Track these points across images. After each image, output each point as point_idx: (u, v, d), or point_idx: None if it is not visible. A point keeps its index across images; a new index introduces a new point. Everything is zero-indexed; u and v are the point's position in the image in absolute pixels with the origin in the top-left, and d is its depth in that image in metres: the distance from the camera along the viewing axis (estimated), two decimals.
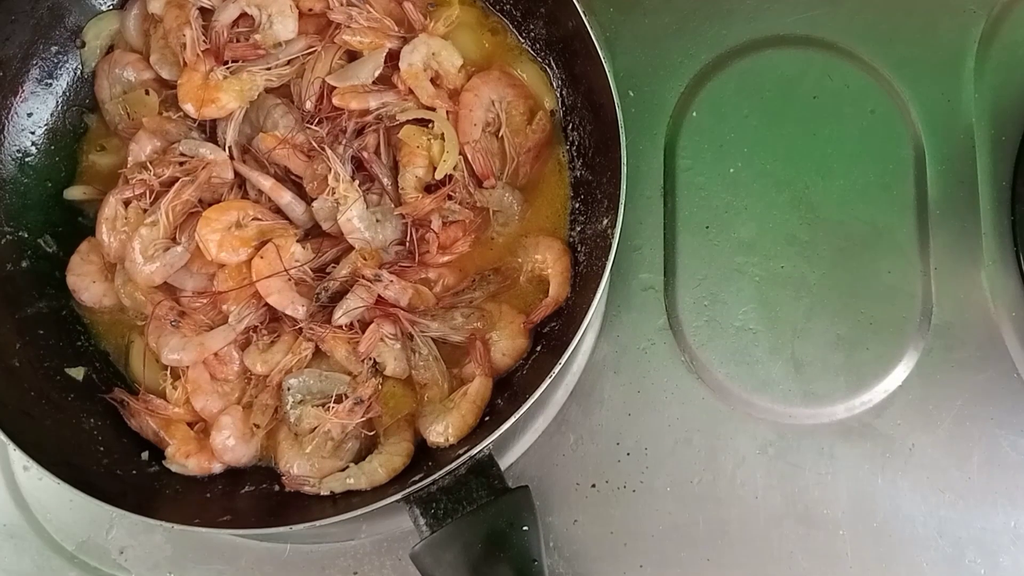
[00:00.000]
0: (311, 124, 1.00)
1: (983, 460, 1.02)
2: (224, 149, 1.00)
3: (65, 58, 1.07)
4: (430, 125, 1.01)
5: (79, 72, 1.08)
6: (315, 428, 0.97)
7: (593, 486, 1.03)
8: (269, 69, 1.01)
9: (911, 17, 1.12)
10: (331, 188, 0.98)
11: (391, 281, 0.97)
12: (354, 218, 0.98)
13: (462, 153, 1.01)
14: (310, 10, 1.03)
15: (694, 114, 1.11)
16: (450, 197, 1.01)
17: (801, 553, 1.01)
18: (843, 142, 1.10)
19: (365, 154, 1.00)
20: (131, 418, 1.00)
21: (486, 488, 0.91)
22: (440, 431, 0.95)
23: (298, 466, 0.96)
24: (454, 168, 1.00)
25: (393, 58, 1.02)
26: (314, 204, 0.99)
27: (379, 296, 0.98)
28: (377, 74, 1.02)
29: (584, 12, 0.96)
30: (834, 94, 1.11)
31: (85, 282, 1.03)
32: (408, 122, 1.01)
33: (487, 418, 0.96)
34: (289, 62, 1.01)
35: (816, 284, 1.07)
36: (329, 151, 0.98)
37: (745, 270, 1.07)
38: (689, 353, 1.06)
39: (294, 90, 1.03)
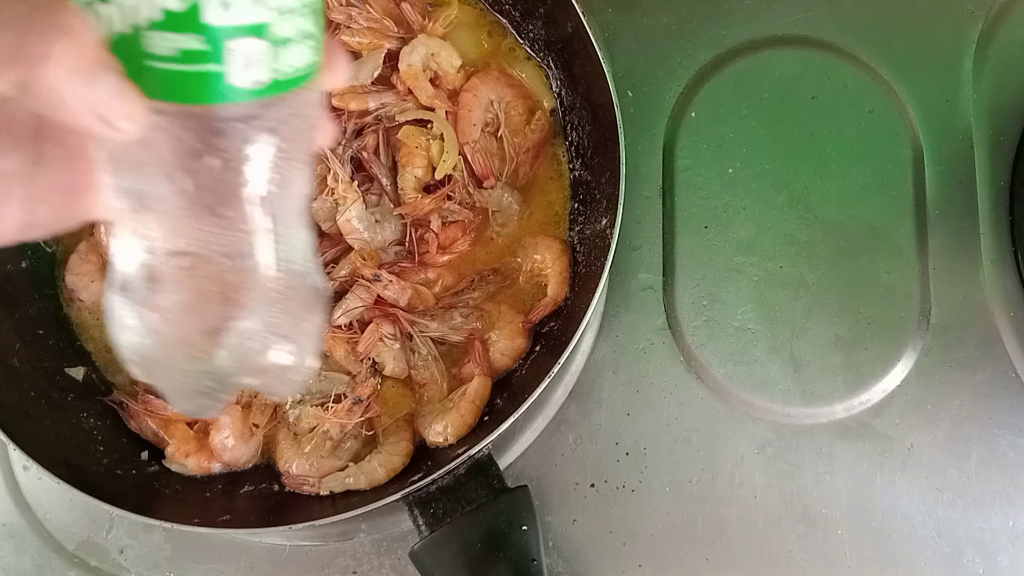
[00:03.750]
0: None
1: (981, 460, 1.02)
2: None
3: None
4: (429, 125, 1.01)
5: None
6: (314, 428, 0.97)
7: (592, 486, 1.03)
8: None
9: (909, 17, 1.12)
10: (330, 188, 0.98)
11: (390, 281, 0.98)
12: (353, 218, 0.98)
13: (461, 153, 1.01)
14: None
15: (693, 114, 1.11)
16: (449, 197, 1.01)
17: (800, 552, 1.01)
18: (842, 142, 1.10)
19: (364, 154, 1.00)
20: (130, 419, 1.00)
21: (485, 488, 0.91)
22: (439, 431, 0.95)
23: (297, 465, 0.96)
24: (453, 168, 1.00)
25: (392, 59, 1.02)
26: (313, 204, 0.99)
27: (378, 296, 0.98)
28: (376, 75, 1.02)
29: (583, 13, 0.96)
30: (833, 94, 1.11)
31: (84, 281, 1.03)
32: (407, 123, 1.01)
33: (486, 418, 0.96)
34: None
35: (815, 284, 1.07)
36: (328, 151, 0.98)
37: (744, 270, 1.07)
38: (688, 353, 1.06)
39: None
